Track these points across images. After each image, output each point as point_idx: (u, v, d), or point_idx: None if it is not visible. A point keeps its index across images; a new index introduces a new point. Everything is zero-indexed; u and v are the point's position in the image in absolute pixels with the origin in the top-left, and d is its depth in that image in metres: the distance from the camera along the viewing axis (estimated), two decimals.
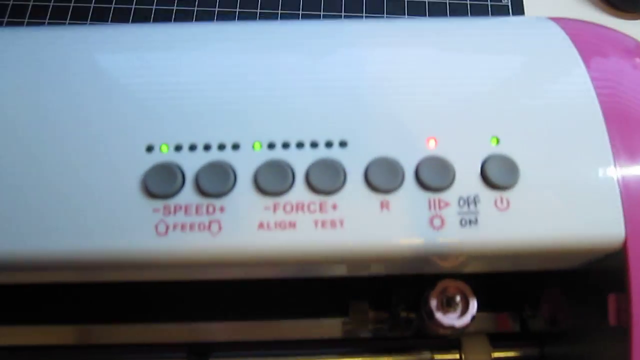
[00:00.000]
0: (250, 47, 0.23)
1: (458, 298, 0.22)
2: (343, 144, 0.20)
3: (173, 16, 0.46)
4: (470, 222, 0.19)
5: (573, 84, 0.22)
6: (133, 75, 0.22)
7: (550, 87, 0.22)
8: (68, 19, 0.45)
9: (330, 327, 0.30)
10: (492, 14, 0.44)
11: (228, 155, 0.20)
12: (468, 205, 0.19)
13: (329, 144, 0.20)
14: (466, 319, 0.22)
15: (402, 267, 0.22)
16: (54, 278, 0.23)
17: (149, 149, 0.20)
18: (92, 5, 0.46)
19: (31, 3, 0.46)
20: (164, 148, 0.20)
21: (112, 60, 0.22)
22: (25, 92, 0.21)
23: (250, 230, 0.19)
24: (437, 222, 0.19)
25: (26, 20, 0.45)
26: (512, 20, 0.27)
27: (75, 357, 0.28)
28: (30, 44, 0.23)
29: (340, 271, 0.23)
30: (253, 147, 0.20)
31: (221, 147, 0.20)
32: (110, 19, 0.45)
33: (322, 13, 0.44)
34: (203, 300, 0.29)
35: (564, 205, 0.20)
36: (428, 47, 0.23)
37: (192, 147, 0.20)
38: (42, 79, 0.21)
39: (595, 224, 0.20)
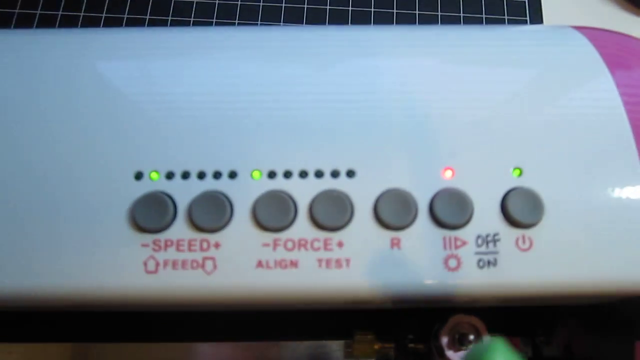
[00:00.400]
0: (250, 60, 0.21)
1: (472, 337, 0.21)
2: (351, 173, 0.18)
3: (171, 5, 0.44)
4: (489, 263, 0.18)
5: (603, 107, 0.20)
6: (120, 93, 0.20)
7: (578, 110, 0.20)
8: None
9: (333, 349, 0.28)
10: (508, 10, 0.42)
11: (224, 185, 0.18)
12: (487, 244, 0.18)
13: (335, 174, 0.18)
14: None
15: (412, 303, 0.20)
16: (40, 308, 0.21)
17: (138, 176, 0.18)
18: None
19: None
20: (154, 175, 0.18)
21: (97, 75, 0.20)
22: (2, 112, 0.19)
23: (248, 269, 0.18)
24: (452, 262, 0.18)
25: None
26: (536, 30, 0.24)
27: None
28: (12, 55, 0.21)
29: (344, 306, 0.21)
30: (252, 176, 0.18)
31: (217, 175, 0.18)
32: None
33: (328, 7, 0.42)
34: (202, 320, 0.28)
35: (592, 246, 0.18)
36: (444, 62, 0.21)
37: (185, 175, 0.18)
38: (20, 96, 0.20)
39: (625, 266, 0.18)
